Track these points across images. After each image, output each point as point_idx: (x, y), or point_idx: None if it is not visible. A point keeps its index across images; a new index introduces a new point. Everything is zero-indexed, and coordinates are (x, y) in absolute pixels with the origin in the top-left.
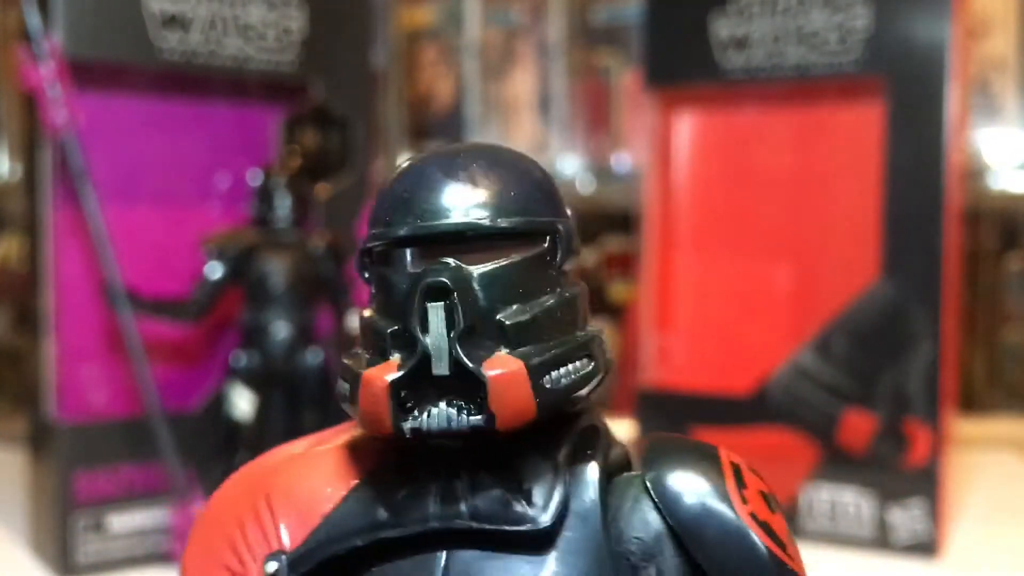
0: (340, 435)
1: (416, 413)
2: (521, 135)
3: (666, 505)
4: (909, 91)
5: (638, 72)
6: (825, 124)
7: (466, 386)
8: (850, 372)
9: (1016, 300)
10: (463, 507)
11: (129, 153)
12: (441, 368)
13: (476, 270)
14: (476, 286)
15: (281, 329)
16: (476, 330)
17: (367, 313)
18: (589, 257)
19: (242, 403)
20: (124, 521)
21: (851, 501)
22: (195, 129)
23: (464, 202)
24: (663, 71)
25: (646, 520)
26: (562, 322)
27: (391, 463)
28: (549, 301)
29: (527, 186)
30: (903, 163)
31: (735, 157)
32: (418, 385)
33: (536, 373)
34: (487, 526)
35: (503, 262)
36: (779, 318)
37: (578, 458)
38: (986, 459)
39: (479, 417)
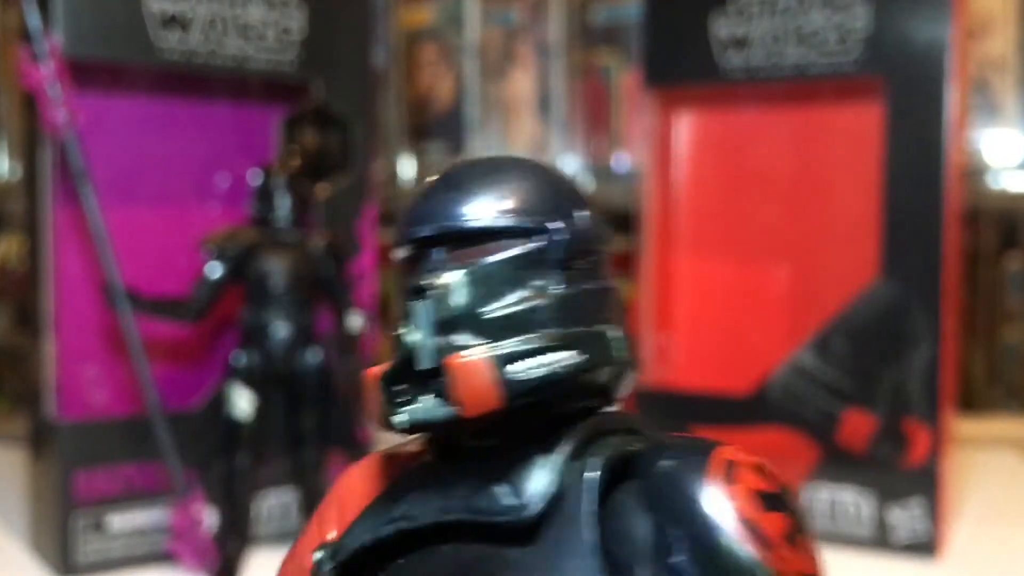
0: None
1: (399, 408)
2: (521, 135)
3: (652, 508)
4: (908, 91)
5: (637, 72)
6: (825, 124)
7: (445, 380)
8: (850, 372)
9: (1015, 300)
10: (461, 501)
11: (129, 153)
12: (422, 363)
13: (460, 269)
14: (458, 284)
15: (281, 329)
16: (459, 327)
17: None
18: None
19: (242, 403)
20: (124, 520)
21: (850, 501)
22: (195, 129)
23: (446, 208)
24: (662, 71)
25: (639, 523)
26: (554, 318)
27: (422, 463)
28: (537, 298)
29: (518, 189)
30: (903, 163)
31: (734, 157)
32: (409, 381)
33: (501, 361)
34: (479, 518)
35: (486, 260)
36: (779, 318)
37: (581, 456)
38: (986, 458)
39: (448, 407)
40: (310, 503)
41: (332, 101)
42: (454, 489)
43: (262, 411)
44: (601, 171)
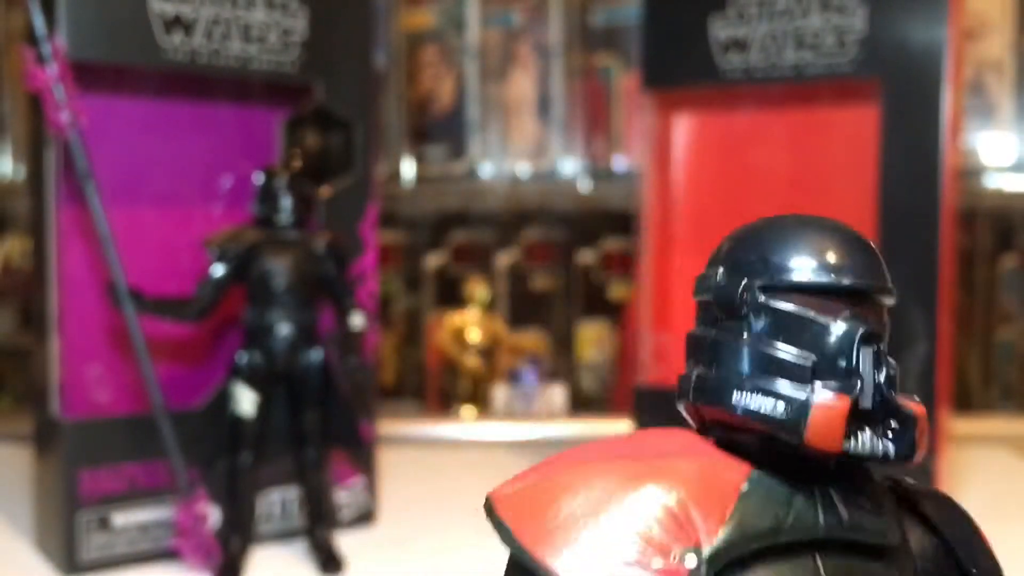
0: (667, 445)
1: (852, 437)
2: (521, 136)
3: (945, 526)
4: (905, 93)
5: (637, 73)
6: (822, 125)
7: (882, 419)
8: None
9: (1011, 300)
10: (844, 520)
11: (133, 153)
12: (867, 402)
13: (886, 323)
14: (885, 337)
15: (283, 328)
16: (888, 376)
17: (761, 347)
18: (588, 257)
19: (245, 402)
20: (128, 518)
21: None
22: (198, 130)
23: (876, 267)
24: (662, 72)
25: (922, 543)
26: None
27: (762, 474)
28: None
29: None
30: (899, 164)
31: (733, 158)
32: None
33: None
34: (860, 538)
35: (884, 321)
36: None
37: (884, 491)
38: (981, 457)
39: (897, 446)
40: (312, 501)
41: (333, 102)
42: (828, 505)
43: (264, 410)
44: (600, 172)
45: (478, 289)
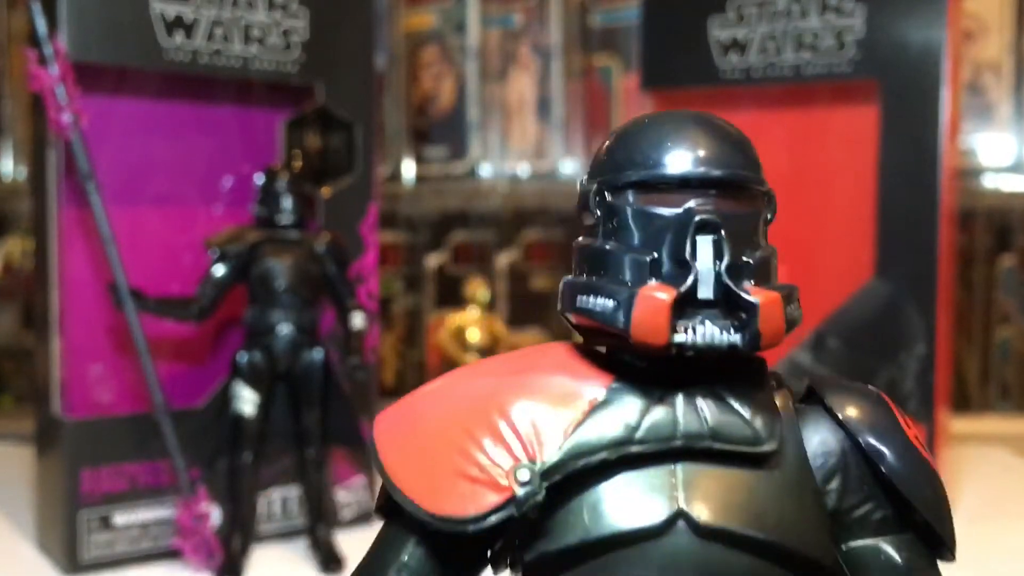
0: (552, 358)
1: (682, 329)
2: (521, 137)
3: (852, 426)
4: (903, 94)
5: (636, 74)
6: (821, 126)
7: (724, 310)
8: (844, 370)
9: (1009, 300)
10: (705, 428)
11: (134, 154)
12: (707, 292)
13: (732, 213)
14: (733, 226)
15: (284, 328)
16: (733, 267)
17: (606, 245)
18: None
19: (246, 401)
20: (129, 517)
21: None
22: (199, 131)
23: (723, 155)
24: (661, 73)
25: (827, 442)
26: (774, 270)
27: (623, 384)
28: (769, 251)
29: (754, 150)
30: (897, 164)
31: None
32: (682, 307)
33: (785, 302)
34: (726, 446)
35: (746, 211)
36: None
37: (778, 391)
38: (980, 456)
39: (739, 336)
40: (312, 500)
41: (334, 103)
42: (689, 414)
43: (265, 409)
44: None
45: (478, 289)
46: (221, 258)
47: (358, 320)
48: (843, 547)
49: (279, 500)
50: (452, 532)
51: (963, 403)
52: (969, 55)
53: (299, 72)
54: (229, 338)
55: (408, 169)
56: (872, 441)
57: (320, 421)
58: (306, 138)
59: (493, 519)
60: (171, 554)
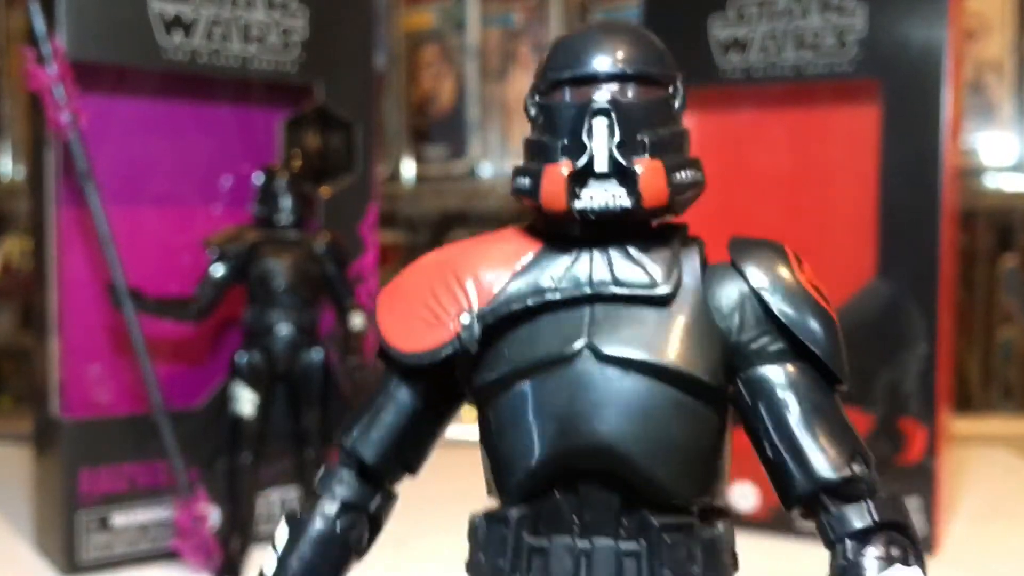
0: (500, 235)
1: (582, 197)
2: (521, 136)
3: (748, 273)
4: (905, 93)
5: None
6: (822, 126)
7: (619, 181)
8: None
9: (1011, 300)
10: (608, 277)
11: (133, 154)
12: (602, 166)
13: (626, 101)
14: (627, 111)
15: (283, 328)
16: (626, 143)
17: (533, 135)
18: None
19: (244, 402)
20: (128, 518)
21: None
22: (198, 130)
23: (620, 54)
24: None
25: (728, 288)
26: (682, 146)
27: (549, 248)
28: (673, 128)
29: (657, 49)
30: (899, 164)
31: (733, 158)
32: (584, 180)
33: (669, 170)
34: (625, 291)
35: (645, 99)
36: None
37: (685, 249)
38: (982, 457)
39: (630, 200)
40: None
41: (334, 102)
42: (596, 268)
43: (264, 410)
44: None
45: None
46: (220, 258)
47: (358, 320)
48: (744, 374)
49: (278, 501)
50: (417, 365)
51: (965, 404)
52: (971, 54)
53: (298, 72)
54: (228, 338)
55: (408, 169)
56: (764, 284)
57: (319, 421)
58: (305, 138)
59: (443, 353)
60: (170, 555)
